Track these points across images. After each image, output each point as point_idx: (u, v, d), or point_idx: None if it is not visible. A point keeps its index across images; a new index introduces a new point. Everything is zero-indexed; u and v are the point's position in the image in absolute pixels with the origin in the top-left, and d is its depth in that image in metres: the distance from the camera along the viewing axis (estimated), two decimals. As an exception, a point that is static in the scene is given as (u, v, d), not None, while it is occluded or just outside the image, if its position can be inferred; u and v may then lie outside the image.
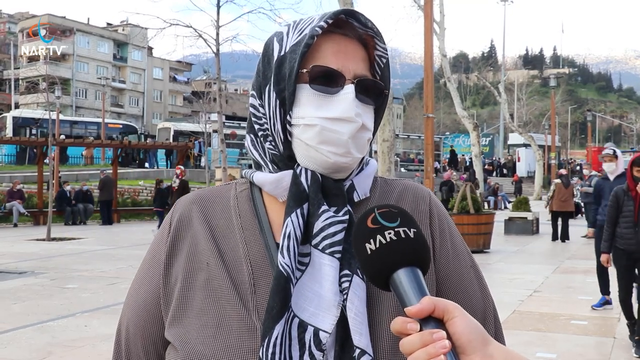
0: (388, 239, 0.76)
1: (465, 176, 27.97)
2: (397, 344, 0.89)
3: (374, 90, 0.98)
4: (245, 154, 33.52)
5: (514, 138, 47.69)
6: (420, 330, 0.70)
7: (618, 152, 7.85)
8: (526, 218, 17.23)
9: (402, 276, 0.74)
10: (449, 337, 0.70)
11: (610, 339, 6.31)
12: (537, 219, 17.49)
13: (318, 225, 0.93)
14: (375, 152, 12.80)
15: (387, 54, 1.01)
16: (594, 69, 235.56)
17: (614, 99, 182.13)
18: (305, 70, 0.95)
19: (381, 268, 0.75)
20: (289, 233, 0.92)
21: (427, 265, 0.77)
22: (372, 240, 0.76)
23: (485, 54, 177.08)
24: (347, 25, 0.98)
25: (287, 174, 0.97)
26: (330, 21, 0.96)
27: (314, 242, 0.93)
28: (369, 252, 0.76)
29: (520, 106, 62.77)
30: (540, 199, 31.26)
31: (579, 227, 17.57)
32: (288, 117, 0.96)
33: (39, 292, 8.88)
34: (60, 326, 6.87)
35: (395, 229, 0.76)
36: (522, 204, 17.99)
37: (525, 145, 42.59)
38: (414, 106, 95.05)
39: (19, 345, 6.15)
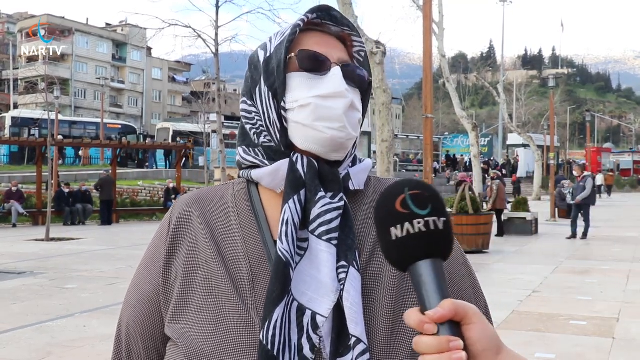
0: (417, 230, 0.72)
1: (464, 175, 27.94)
2: (391, 335, 0.92)
3: (358, 78, 1.03)
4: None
5: (513, 138, 47.69)
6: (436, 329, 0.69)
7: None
8: (525, 218, 17.24)
9: (424, 270, 0.72)
10: (464, 341, 0.69)
11: (609, 339, 6.31)
12: (536, 220, 17.50)
13: (315, 211, 0.95)
14: (375, 152, 12.80)
15: (364, 47, 1.07)
16: (593, 69, 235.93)
17: (613, 99, 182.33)
18: (293, 55, 0.99)
19: (404, 257, 0.73)
20: (287, 219, 0.94)
21: (449, 255, 0.75)
22: (399, 226, 0.72)
23: (484, 55, 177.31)
24: (325, 25, 1.04)
25: (284, 163, 0.99)
26: (310, 15, 1.01)
27: (310, 228, 0.95)
28: (394, 237, 0.72)
29: (519, 106, 62.87)
30: (540, 199, 31.29)
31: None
32: (282, 104, 0.99)
33: (38, 292, 8.88)
34: (59, 326, 6.87)
35: (425, 219, 0.72)
36: (521, 205, 18.00)
37: (525, 146, 42.61)
38: (413, 106, 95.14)
39: (18, 345, 6.15)
